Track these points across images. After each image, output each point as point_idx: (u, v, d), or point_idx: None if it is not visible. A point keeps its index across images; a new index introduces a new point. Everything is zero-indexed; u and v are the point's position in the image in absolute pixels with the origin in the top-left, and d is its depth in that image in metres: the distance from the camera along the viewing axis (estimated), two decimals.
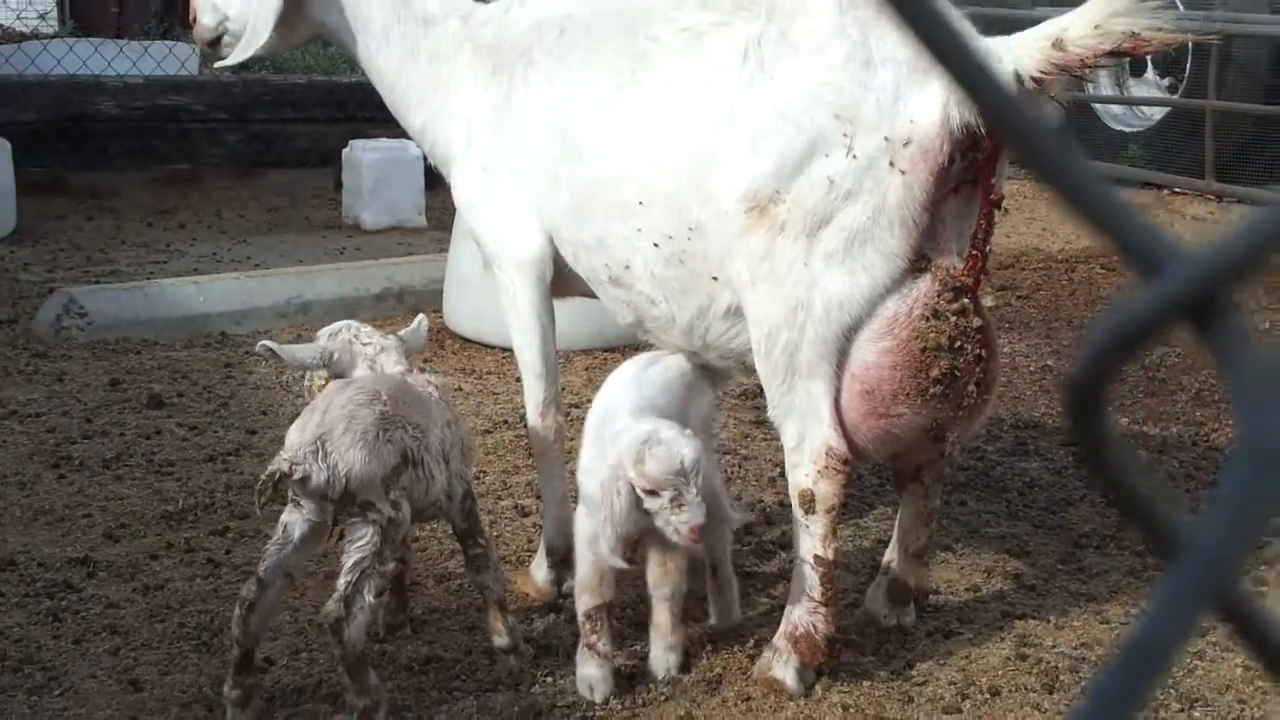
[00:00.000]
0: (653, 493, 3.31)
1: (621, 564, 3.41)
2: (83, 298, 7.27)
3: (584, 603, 3.62)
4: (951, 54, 0.66)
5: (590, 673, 3.60)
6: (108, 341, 6.99)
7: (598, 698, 3.57)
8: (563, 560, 4.18)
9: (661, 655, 3.69)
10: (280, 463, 3.25)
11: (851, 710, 3.51)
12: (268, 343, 3.70)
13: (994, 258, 3.50)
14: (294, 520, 3.37)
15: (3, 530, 4.61)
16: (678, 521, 3.31)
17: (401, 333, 3.91)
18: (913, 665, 3.75)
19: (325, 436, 3.24)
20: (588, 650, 3.62)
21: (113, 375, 6.42)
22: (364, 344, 3.75)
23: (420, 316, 4.08)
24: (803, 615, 3.57)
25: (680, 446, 3.33)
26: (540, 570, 4.21)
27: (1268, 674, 0.66)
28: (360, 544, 3.26)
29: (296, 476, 3.23)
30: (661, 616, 3.67)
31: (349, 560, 3.26)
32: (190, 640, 3.86)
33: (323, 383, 3.74)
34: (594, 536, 3.50)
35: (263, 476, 3.27)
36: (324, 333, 3.83)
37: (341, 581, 3.25)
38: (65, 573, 4.27)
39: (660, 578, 3.65)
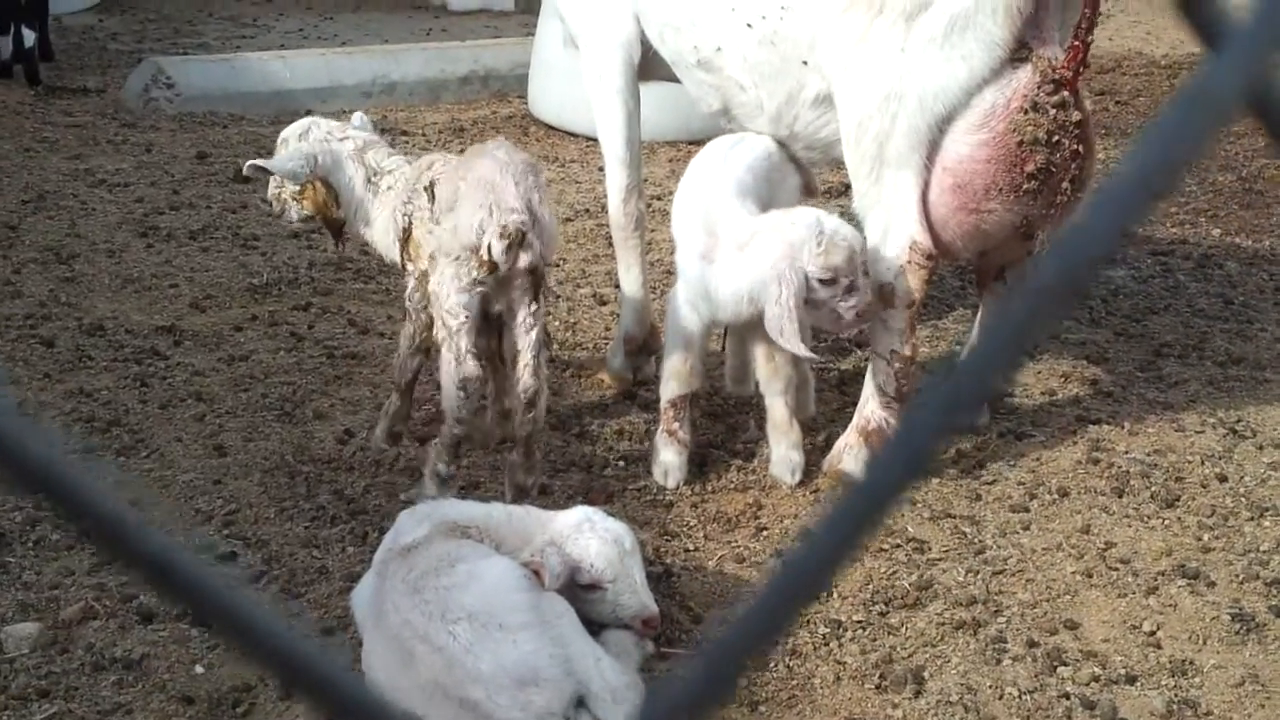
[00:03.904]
0: (827, 281, 3.28)
1: (810, 353, 3.38)
2: (170, 68, 7.28)
3: (670, 390, 3.63)
4: None
5: (668, 459, 3.63)
6: (195, 114, 7.01)
7: (670, 484, 3.61)
8: (639, 349, 4.20)
9: (784, 455, 3.63)
10: (514, 222, 3.19)
11: (919, 505, 3.54)
12: (256, 161, 3.57)
13: (1094, 61, 3.35)
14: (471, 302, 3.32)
15: (92, 296, 4.70)
16: (846, 306, 3.30)
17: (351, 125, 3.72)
18: (983, 465, 3.76)
19: (530, 204, 3.23)
20: (668, 436, 3.64)
21: (200, 148, 6.45)
22: (340, 140, 3.62)
23: (358, 113, 3.83)
24: (876, 410, 3.57)
25: (850, 232, 3.32)
26: (617, 358, 4.23)
27: None
28: (536, 313, 3.31)
29: (526, 231, 3.20)
30: (778, 412, 3.62)
31: (532, 334, 3.32)
32: (273, 410, 3.94)
33: (295, 190, 3.59)
34: (690, 335, 3.54)
35: (511, 231, 3.19)
36: (291, 134, 3.65)
37: (529, 356, 3.32)
38: (152, 340, 4.36)
39: (771, 373, 3.60)
